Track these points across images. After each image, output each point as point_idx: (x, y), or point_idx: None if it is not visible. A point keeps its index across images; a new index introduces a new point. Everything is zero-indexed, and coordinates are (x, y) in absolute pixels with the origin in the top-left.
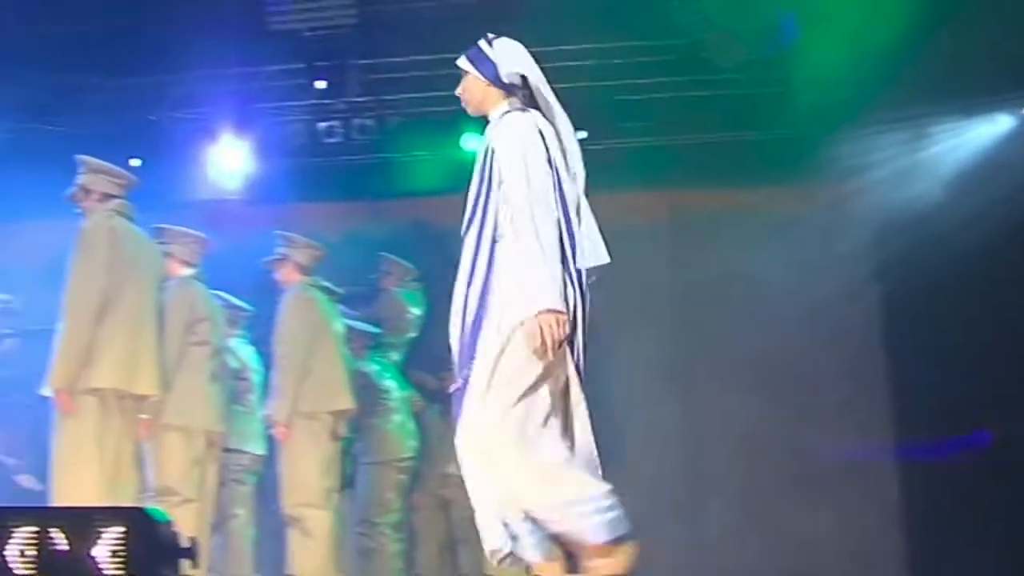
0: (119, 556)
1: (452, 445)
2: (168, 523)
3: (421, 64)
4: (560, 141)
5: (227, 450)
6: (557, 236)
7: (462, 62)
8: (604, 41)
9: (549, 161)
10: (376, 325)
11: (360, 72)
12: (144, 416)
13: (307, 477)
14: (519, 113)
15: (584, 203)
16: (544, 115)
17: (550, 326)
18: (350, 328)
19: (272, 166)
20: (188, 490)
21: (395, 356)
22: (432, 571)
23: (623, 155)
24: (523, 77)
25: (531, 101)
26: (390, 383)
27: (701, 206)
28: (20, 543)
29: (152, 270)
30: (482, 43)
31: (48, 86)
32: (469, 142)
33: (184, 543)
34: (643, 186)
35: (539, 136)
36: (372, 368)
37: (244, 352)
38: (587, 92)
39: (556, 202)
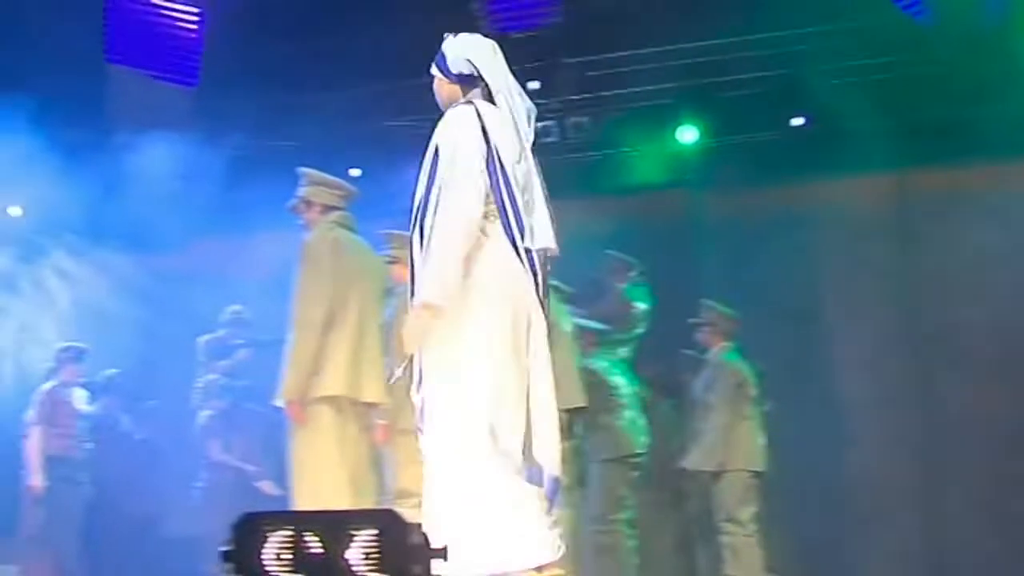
0: (372, 558)
1: (684, 440)
2: (419, 524)
3: (633, 58)
4: (516, 127)
5: None
6: (468, 227)
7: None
8: (822, 24)
9: (491, 149)
10: (603, 322)
11: (572, 70)
12: (381, 421)
13: None
14: (460, 106)
15: (538, 187)
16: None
17: (416, 319)
18: (578, 326)
19: None
20: None
21: (623, 352)
22: (667, 567)
23: (848, 139)
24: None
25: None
26: (619, 379)
27: (931, 187)
28: (276, 547)
29: (375, 279)
30: (445, 41)
31: (270, 105)
32: (686, 134)
33: (435, 544)
34: (870, 170)
35: (476, 127)
36: (601, 365)
37: None
38: (808, 76)
39: (499, 187)
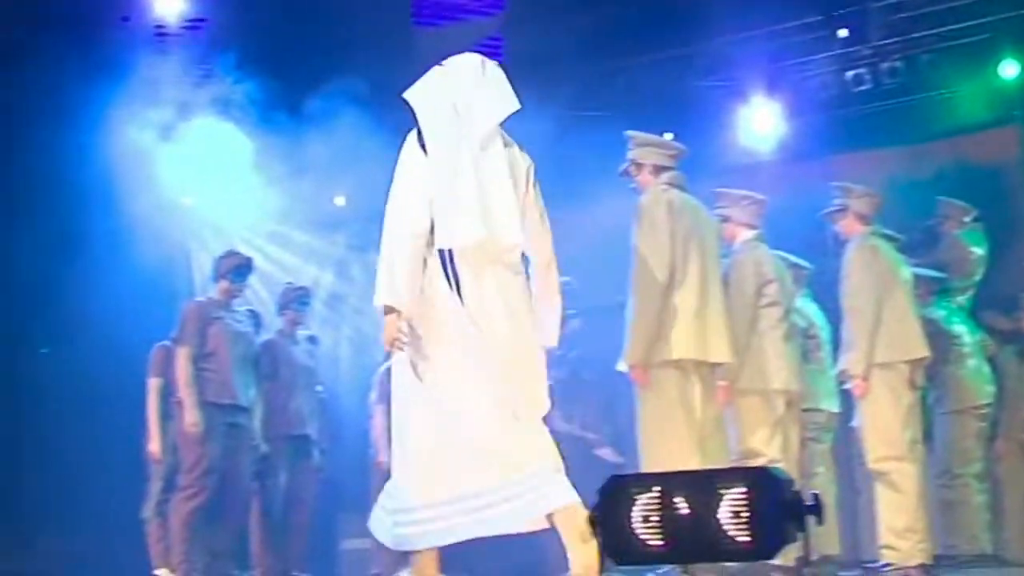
0: (742, 517)
1: None
2: (791, 481)
3: None
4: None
5: (803, 410)
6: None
7: None
8: None
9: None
10: (939, 270)
11: (881, 14)
12: (721, 382)
13: (889, 430)
14: None
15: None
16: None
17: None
18: (914, 275)
19: (804, 122)
20: (772, 451)
21: (961, 299)
22: (1020, 523)
23: None
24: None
25: None
26: (960, 328)
27: None
28: (643, 508)
29: (712, 237)
30: None
31: (587, 74)
32: (1008, 68)
33: (808, 500)
34: None
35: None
36: (939, 314)
37: (809, 310)
38: None
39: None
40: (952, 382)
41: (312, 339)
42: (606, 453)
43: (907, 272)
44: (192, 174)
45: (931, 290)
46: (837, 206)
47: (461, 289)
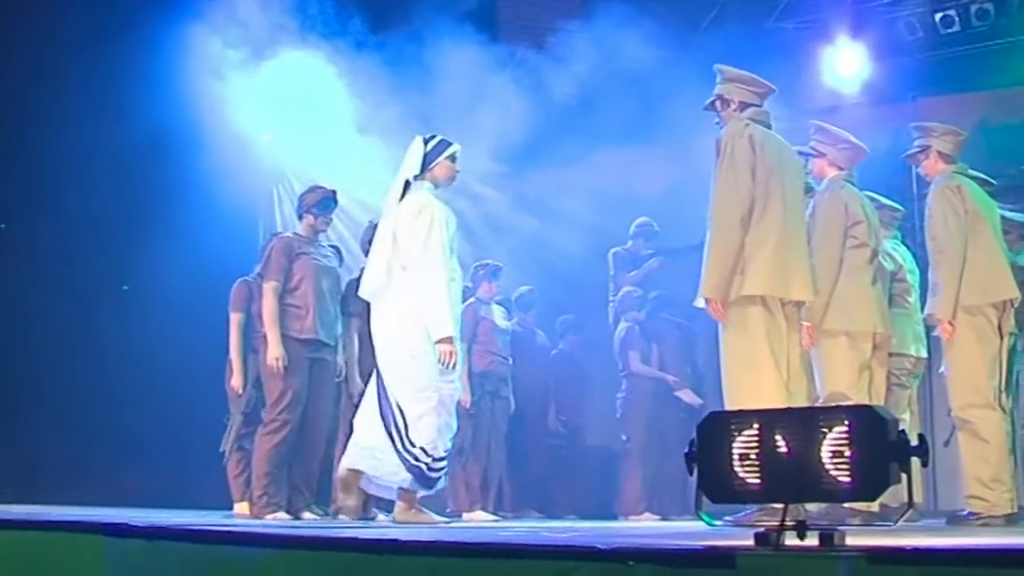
0: (845, 456)
1: None
2: (896, 421)
3: None
4: None
5: (890, 354)
6: None
7: None
8: None
9: None
10: None
11: None
12: (806, 323)
13: (975, 377)
14: None
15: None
16: None
17: None
18: (1005, 219)
19: (891, 64)
20: (858, 395)
21: None
22: None
23: None
24: None
25: None
26: None
27: None
28: (742, 446)
29: (795, 175)
30: None
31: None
32: None
33: (913, 440)
34: None
35: None
36: None
37: (899, 253)
38: None
39: None
40: None
41: None
42: (685, 394)
43: (996, 214)
44: (270, 110)
45: (1022, 235)
46: (918, 147)
47: None
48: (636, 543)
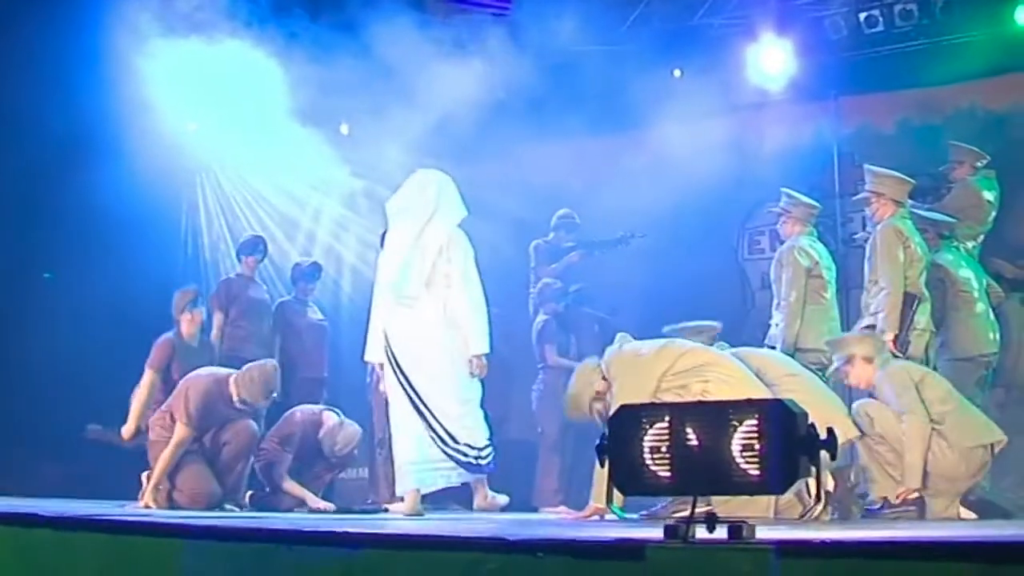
0: (753, 449)
1: None
2: (805, 415)
3: None
4: None
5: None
6: None
7: None
8: None
9: None
10: (950, 215)
11: None
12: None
13: None
14: None
15: None
16: None
17: None
18: (923, 218)
19: (814, 62)
20: None
21: (970, 246)
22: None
23: None
24: None
25: None
26: (968, 273)
27: None
28: (653, 439)
29: None
30: None
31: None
32: (1022, 14)
33: (823, 435)
34: None
35: None
36: (947, 259)
37: (815, 249)
38: None
39: None
40: (958, 329)
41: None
42: None
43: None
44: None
45: (940, 234)
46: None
47: None
48: (546, 535)
